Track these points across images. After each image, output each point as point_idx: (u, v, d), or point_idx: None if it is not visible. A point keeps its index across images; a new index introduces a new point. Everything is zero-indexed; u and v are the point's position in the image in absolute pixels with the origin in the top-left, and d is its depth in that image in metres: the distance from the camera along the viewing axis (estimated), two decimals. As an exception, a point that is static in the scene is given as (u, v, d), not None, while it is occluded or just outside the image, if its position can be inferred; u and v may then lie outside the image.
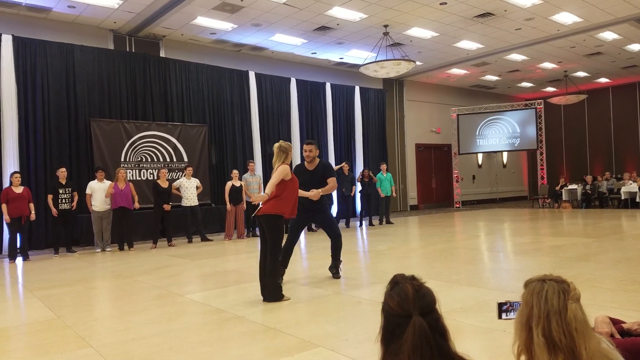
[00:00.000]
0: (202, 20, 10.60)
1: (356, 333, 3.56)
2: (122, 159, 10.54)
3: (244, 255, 8.12)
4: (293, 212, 4.86)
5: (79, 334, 3.78)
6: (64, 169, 8.90)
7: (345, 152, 14.85)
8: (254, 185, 10.59)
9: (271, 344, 3.38)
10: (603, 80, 18.62)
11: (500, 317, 1.67)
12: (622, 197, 14.57)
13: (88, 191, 9.05)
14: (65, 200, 8.74)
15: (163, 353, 3.27)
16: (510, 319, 1.63)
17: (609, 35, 12.91)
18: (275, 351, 3.23)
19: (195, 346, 3.39)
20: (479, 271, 5.95)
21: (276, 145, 4.93)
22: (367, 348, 3.21)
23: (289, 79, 13.63)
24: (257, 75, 12.93)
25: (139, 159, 10.83)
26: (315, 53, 13.47)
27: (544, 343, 1.32)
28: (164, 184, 9.59)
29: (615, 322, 1.94)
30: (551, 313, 1.34)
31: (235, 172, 10.35)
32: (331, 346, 3.25)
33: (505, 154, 20.59)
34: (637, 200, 14.07)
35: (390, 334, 1.33)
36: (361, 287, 5.22)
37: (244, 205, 10.31)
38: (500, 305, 1.68)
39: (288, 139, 13.47)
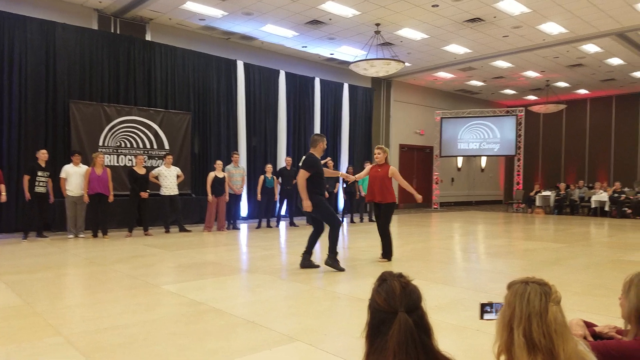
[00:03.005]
0: (191, 6, 10.39)
1: (335, 328, 3.55)
2: (101, 143, 10.28)
3: (223, 247, 8.02)
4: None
5: (49, 322, 3.66)
6: (45, 152, 8.60)
7: (331, 148, 14.76)
8: (237, 177, 10.47)
9: (250, 337, 3.33)
10: (582, 91, 19.02)
11: (482, 317, 1.69)
12: (592, 206, 15.09)
13: (63, 175, 8.78)
14: (43, 184, 8.47)
15: (137, 344, 3.19)
16: (491, 319, 1.65)
17: (591, 47, 13.16)
18: (254, 345, 3.19)
19: (171, 337, 3.32)
20: (453, 270, 6.04)
21: (384, 147, 6.75)
22: (346, 342, 3.20)
23: (278, 72, 13.48)
24: (246, 65, 12.75)
25: (118, 144, 10.58)
26: (305, 47, 13.37)
27: (524, 343, 1.35)
28: (140, 170, 9.39)
29: (589, 326, 2.02)
30: (532, 314, 1.36)
31: (219, 162, 10.20)
32: (310, 340, 3.23)
33: (483, 159, 20.87)
34: (606, 209, 14.58)
35: (376, 330, 1.34)
36: (341, 282, 5.21)
37: (227, 197, 10.18)
38: (482, 306, 1.69)
39: (274, 132, 13.39)
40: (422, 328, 1.32)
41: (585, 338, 1.89)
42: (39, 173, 8.42)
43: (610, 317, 3.63)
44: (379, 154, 6.63)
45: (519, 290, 1.41)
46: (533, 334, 1.34)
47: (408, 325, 1.28)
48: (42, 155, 8.55)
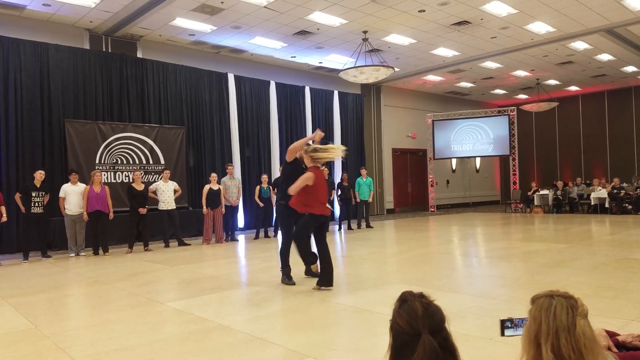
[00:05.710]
0: (181, 22, 10.47)
1: (344, 342, 3.56)
2: (97, 161, 10.30)
3: (223, 260, 8.03)
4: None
5: (59, 345, 3.66)
6: (42, 172, 8.59)
7: (324, 156, 14.82)
8: (233, 189, 10.50)
9: (260, 355, 3.33)
10: (573, 88, 19.19)
11: (503, 334, 1.65)
12: (592, 203, 15.04)
13: (61, 194, 8.78)
14: (39, 205, 8.45)
15: (148, 364, 3.20)
16: (513, 335, 1.62)
17: (580, 45, 13.31)
18: (264, 362, 3.20)
19: (181, 357, 3.33)
20: (458, 277, 6.04)
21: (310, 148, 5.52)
22: (357, 357, 3.21)
23: (269, 82, 13.57)
24: (237, 78, 12.83)
25: (115, 161, 10.60)
26: (294, 57, 13.46)
27: (553, 359, 1.33)
28: (138, 186, 9.42)
29: (611, 335, 1.95)
30: (560, 329, 1.34)
31: (213, 175, 10.24)
32: (320, 356, 3.23)
33: (478, 159, 20.97)
34: (606, 206, 14.55)
35: (399, 353, 1.31)
36: (345, 293, 5.20)
37: (223, 209, 10.20)
38: (502, 322, 1.65)
39: (267, 142, 13.44)
40: (447, 349, 1.29)
41: (609, 349, 1.83)
42: (33, 194, 8.39)
43: (623, 320, 3.67)
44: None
45: (544, 305, 1.39)
46: (562, 349, 1.32)
47: (433, 348, 1.25)
48: (39, 175, 8.54)
